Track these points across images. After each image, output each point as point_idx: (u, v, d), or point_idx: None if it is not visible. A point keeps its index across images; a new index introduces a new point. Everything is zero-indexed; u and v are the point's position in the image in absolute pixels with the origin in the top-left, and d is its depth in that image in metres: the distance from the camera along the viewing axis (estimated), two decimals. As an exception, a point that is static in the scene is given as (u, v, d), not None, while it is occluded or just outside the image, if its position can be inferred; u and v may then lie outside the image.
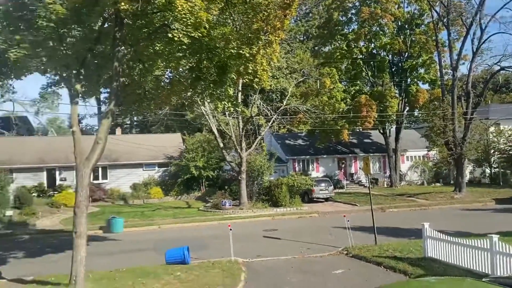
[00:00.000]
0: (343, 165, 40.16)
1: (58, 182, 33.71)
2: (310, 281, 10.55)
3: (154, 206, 29.87)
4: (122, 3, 8.90)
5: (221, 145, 27.89)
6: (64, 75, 12.11)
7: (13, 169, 31.97)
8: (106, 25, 11.32)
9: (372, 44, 36.56)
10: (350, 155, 40.27)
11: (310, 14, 51.64)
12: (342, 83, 37.48)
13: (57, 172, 34.17)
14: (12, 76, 11.15)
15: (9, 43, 9.58)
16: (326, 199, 30.07)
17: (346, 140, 36.30)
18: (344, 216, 15.97)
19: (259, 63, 11.20)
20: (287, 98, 29.86)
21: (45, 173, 33.82)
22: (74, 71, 11.19)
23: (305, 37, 50.46)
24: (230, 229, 13.49)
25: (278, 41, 11.77)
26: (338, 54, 36.23)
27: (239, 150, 26.98)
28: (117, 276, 10.99)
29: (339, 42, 37.60)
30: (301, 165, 39.10)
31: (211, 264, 12.17)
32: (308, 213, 24.78)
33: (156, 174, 36.14)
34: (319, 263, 12.58)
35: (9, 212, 24.03)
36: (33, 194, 30.41)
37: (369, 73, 37.54)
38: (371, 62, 37.17)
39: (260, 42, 10.97)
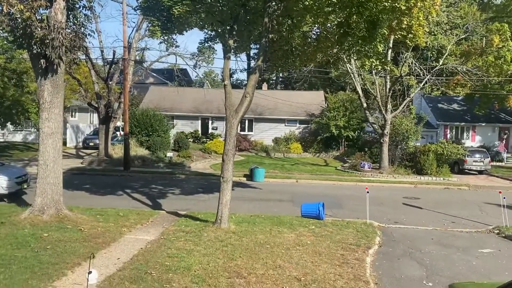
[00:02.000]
0: (505, 136, 35.40)
1: (210, 130, 37.12)
2: (451, 256, 9.83)
3: (293, 160, 30.86)
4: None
5: (365, 105, 26.99)
6: (219, 30, 12.94)
7: (174, 116, 36.21)
8: (259, -19, 11.56)
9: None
10: (516, 125, 35.17)
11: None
12: (515, 41, 32.16)
13: (210, 122, 37.56)
14: (175, 31, 12.30)
15: (173, 0, 10.52)
16: (480, 172, 27.18)
17: (512, 108, 31.68)
18: (500, 192, 14.22)
19: (415, 17, 10.27)
20: (444, 57, 27.06)
21: (199, 121, 37.51)
22: (228, 27, 11.84)
23: (473, -12, 44.21)
24: (367, 192, 13.21)
25: (439, -8, 10.55)
26: (513, 6, 31.04)
27: (383, 112, 25.80)
28: (256, 221, 11.82)
29: (516, -8, 32.03)
30: (453, 132, 35.75)
31: (346, 223, 12.19)
32: (457, 185, 22.77)
33: (296, 130, 37.02)
34: (464, 238, 11.59)
35: (169, 154, 27.51)
36: (189, 139, 34.10)
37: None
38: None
39: (418, -7, 9.98)
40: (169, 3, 10.61)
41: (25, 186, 15.17)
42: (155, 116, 29.26)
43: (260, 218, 12.31)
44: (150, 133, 28.55)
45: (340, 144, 34.81)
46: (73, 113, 41.78)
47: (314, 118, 36.11)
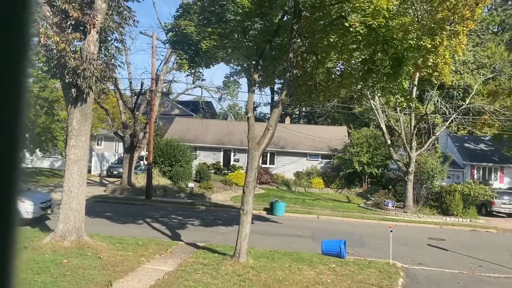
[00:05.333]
0: (535, 178, 34.14)
1: (232, 162, 37.26)
2: (480, 303, 9.34)
3: (315, 195, 30.45)
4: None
5: (389, 142, 26.68)
6: (245, 65, 13.22)
7: (197, 147, 36.60)
8: (285, 18, 11.86)
9: None
10: (547, 167, 33.98)
11: (510, 2, 44.78)
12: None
13: (232, 153, 37.76)
14: (202, 65, 12.64)
15: (202, 35, 10.88)
16: (509, 215, 26.10)
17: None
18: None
19: (440, 56, 10.27)
20: (470, 96, 26.74)
21: (222, 153, 37.76)
22: (253, 62, 12.09)
23: (500, 28, 44.12)
24: (391, 231, 12.84)
25: (465, 32, 10.56)
26: (542, 47, 30.68)
27: (408, 149, 25.41)
28: (275, 257, 11.60)
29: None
30: (480, 173, 34.74)
31: (368, 262, 11.82)
32: (484, 227, 21.91)
33: (318, 165, 36.73)
34: (492, 284, 11.03)
35: (191, 184, 27.63)
36: (211, 170, 34.25)
37: None
38: None
39: (444, 33, 10.02)
40: (197, 38, 10.96)
41: (49, 212, 15.41)
42: (178, 146, 29.64)
43: (279, 254, 12.08)
44: (173, 163, 28.85)
45: (363, 181, 34.26)
46: (99, 142, 42.77)
47: (336, 153, 35.83)
